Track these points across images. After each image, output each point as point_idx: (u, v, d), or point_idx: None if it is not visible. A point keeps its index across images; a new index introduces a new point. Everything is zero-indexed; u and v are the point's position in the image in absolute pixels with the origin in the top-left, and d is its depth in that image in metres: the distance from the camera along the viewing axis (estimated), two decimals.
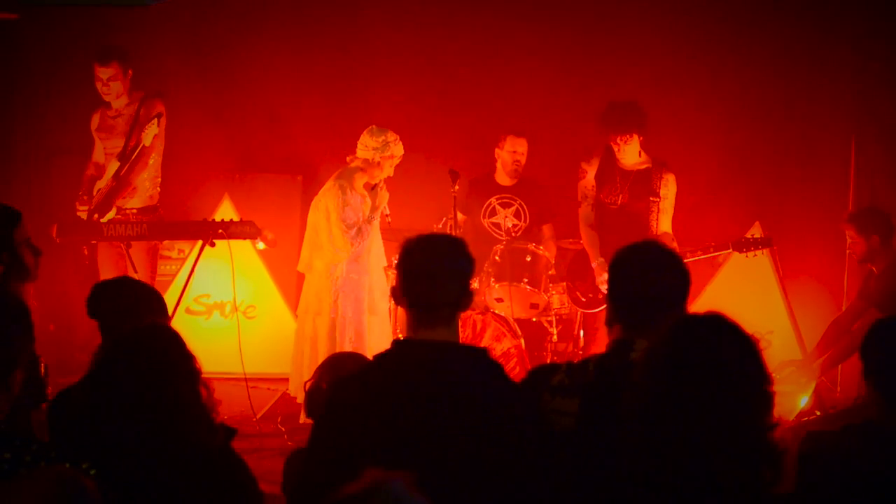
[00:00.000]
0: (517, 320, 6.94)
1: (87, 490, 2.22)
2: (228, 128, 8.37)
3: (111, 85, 6.79)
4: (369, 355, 3.71)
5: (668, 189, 6.54)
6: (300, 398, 6.38)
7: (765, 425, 2.44)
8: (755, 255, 6.76)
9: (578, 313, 7.06)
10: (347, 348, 6.15)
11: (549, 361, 6.79)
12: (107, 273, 6.60)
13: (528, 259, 6.89)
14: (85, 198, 6.80)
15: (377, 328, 6.49)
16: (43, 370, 3.85)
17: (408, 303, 2.88)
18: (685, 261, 3.02)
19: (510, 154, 7.29)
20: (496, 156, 7.37)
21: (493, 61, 8.23)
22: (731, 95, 7.92)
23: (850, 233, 6.29)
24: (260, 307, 7.89)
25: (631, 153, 6.52)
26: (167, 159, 7.03)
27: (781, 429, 2.50)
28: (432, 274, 2.84)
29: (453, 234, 6.50)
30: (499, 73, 8.22)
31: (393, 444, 2.70)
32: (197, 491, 2.93)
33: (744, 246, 6.67)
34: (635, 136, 6.46)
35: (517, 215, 7.34)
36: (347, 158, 6.51)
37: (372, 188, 6.44)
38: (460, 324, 3.12)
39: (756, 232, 7.15)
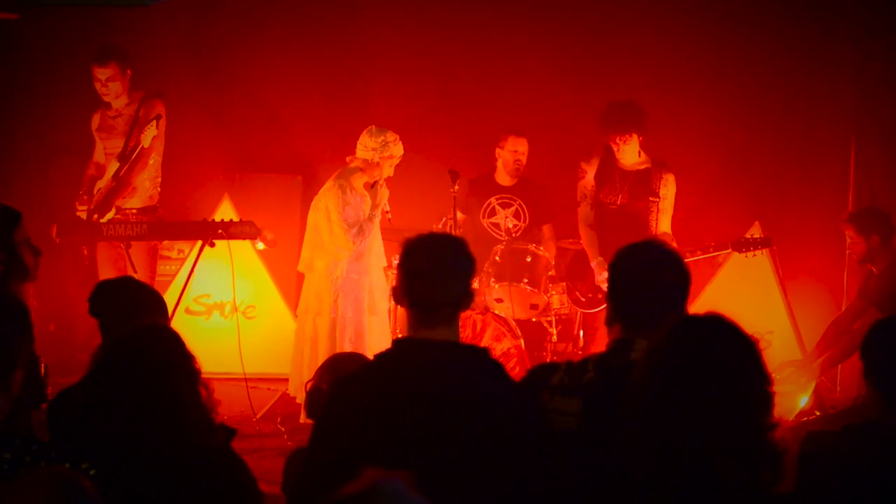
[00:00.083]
0: (517, 320, 6.94)
1: (85, 490, 2.22)
2: (228, 128, 8.37)
3: (110, 85, 6.79)
4: (369, 355, 3.72)
5: (668, 189, 6.54)
6: (300, 398, 6.39)
7: (765, 425, 2.44)
8: (755, 255, 6.77)
9: (578, 313, 7.07)
10: (347, 348, 6.15)
11: (548, 361, 6.79)
12: (106, 273, 6.60)
13: (528, 259, 6.89)
14: (85, 198, 6.80)
15: (377, 328, 6.49)
16: (43, 370, 3.86)
17: (409, 302, 2.87)
18: (685, 261, 3.02)
19: (511, 154, 7.29)
20: (497, 155, 7.37)
21: (493, 61, 8.22)
22: (731, 95, 7.91)
23: (850, 233, 6.29)
24: (260, 307, 7.89)
25: (630, 153, 6.52)
26: (167, 159, 7.03)
27: (781, 429, 2.50)
28: (434, 274, 2.84)
29: (453, 233, 6.50)
30: (499, 73, 8.22)
31: (393, 443, 2.70)
32: (197, 491, 2.92)
33: (743, 246, 6.67)
34: (635, 136, 6.46)
35: (517, 215, 7.34)
36: (347, 159, 6.52)
37: (371, 186, 6.44)
38: (460, 324, 3.12)
39: (756, 232, 7.15)
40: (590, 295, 6.74)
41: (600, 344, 6.09)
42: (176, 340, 3.09)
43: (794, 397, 5.95)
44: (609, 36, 8.04)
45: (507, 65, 8.20)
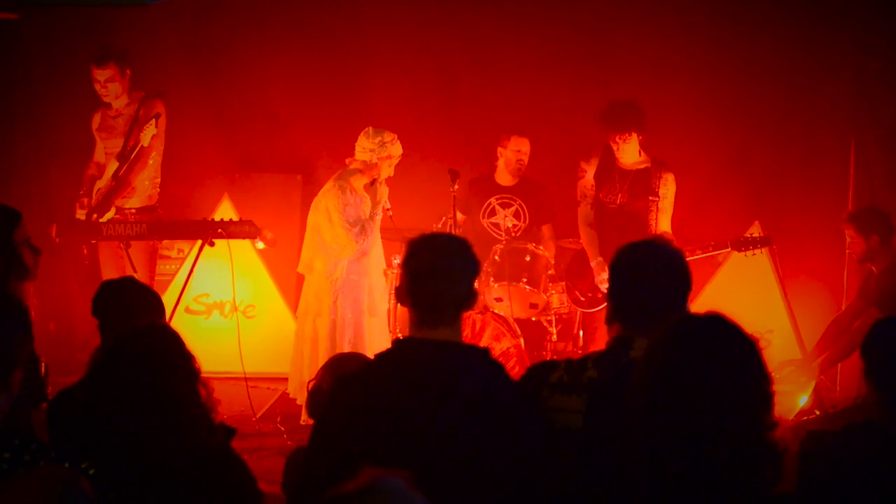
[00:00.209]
0: (516, 320, 6.95)
1: (83, 490, 2.22)
2: (228, 128, 8.37)
3: (109, 86, 6.79)
4: (369, 356, 3.72)
5: (668, 188, 6.54)
6: (300, 399, 6.39)
7: (765, 425, 2.44)
8: (754, 255, 6.77)
9: (578, 313, 7.07)
10: (346, 349, 6.15)
11: (548, 359, 6.78)
12: (109, 273, 6.60)
13: (528, 259, 6.89)
14: (85, 199, 6.80)
15: (377, 329, 6.49)
16: (43, 370, 3.86)
17: (412, 302, 2.87)
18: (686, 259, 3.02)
19: (514, 153, 7.30)
20: (499, 154, 7.37)
21: (493, 61, 8.22)
22: (731, 95, 7.91)
23: (850, 232, 6.29)
24: (259, 307, 7.89)
25: (630, 152, 6.53)
26: (167, 159, 7.03)
27: (781, 428, 2.49)
28: (438, 274, 2.84)
29: (453, 233, 6.50)
30: (499, 72, 8.22)
31: (393, 443, 2.70)
32: (197, 491, 2.93)
33: (743, 245, 6.67)
34: (634, 135, 6.46)
35: (516, 215, 7.34)
36: (346, 161, 6.52)
37: (371, 185, 6.44)
38: None
39: (756, 231, 7.15)
40: (589, 294, 6.75)
41: (600, 343, 6.09)
42: (176, 340, 3.09)
43: (793, 396, 5.95)
44: (609, 36, 8.04)
45: (506, 64, 8.20)
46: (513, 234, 7.28)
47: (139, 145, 6.76)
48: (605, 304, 3.07)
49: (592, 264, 6.65)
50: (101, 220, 6.67)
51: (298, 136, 8.34)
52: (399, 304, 3.01)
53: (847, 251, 6.85)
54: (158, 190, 6.99)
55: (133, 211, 6.84)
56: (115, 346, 3.10)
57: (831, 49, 7.73)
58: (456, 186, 6.74)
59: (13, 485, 2.23)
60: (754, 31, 7.90)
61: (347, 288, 6.37)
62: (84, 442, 2.95)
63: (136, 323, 3.37)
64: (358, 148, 6.44)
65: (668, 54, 7.90)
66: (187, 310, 7.63)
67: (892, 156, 7.54)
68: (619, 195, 6.59)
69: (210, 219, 6.79)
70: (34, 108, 8.18)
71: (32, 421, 3.62)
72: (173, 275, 7.73)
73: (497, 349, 6.64)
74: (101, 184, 6.83)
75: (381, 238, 6.66)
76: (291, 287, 7.88)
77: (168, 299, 6.86)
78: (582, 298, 6.81)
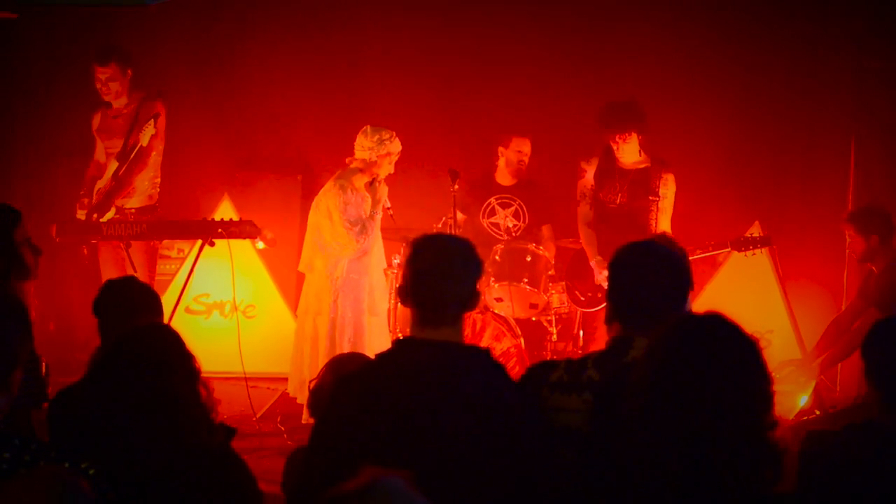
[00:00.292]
0: (517, 320, 6.95)
1: (81, 489, 2.22)
2: (228, 128, 8.36)
3: (110, 85, 6.80)
4: (369, 356, 3.72)
5: (668, 188, 6.54)
6: (300, 398, 6.39)
7: (765, 425, 2.44)
8: (754, 254, 6.77)
9: (578, 313, 7.07)
10: (346, 348, 6.15)
11: (548, 359, 6.78)
12: (109, 273, 6.60)
13: (528, 259, 6.89)
14: (85, 199, 6.80)
15: (376, 329, 6.49)
16: (44, 370, 3.86)
17: (415, 302, 2.87)
18: (688, 259, 3.02)
19: (515, 154, 7.30)
20: (500, 154, 7.37)
21: (493, 61, 8.22)
22: (731, 95, 7.91)
23: (850, 232, 6.29)
24: (259, 307, 7.89)
25: (630, 152, 6.53)
26: (167, 159, 7.03)
27: (781, 428, 2.50)
28: (442, 274, 2.84)
29: (453, 233, 6.50)
30: (499, 72, 8.22)
31: (394, 442, 2.70)
32: (197, 491, 2.93)
33: (742, 245, 6.67)
34: (634, 135, 6.46)
35: (516, 215, 7.34)
36: (346, 160, 6.52)
37: (370, 184, 6.45)
38: None
39: (756, 231, 7.15)
40: (589, 294, 6.75)
41: (600, 343, 6.08)
42: (176, 340, 3.09)
43: (793, 396, 5.95)
44: (609, 36, 8.04)
45: (506, 65, 8.20)
46: (513, 233, 7.28)
47: (139, 145, 6.76)
48: (605, 303, 3.07)
49: (592, 264, 6.65)
50: (101, 220, 6.67)
51: (298, 136, 8.34)
52: (401, 304, 3.00)
53: (847, 251, 6.86)
54: (158, 190, 6.99)
55: (133, 211, 6.84)
56: (115, 346, 3.10)
57: (831, 49, 7.72)
58: (456, 186, 6.74)
59: (13, 485, 2.23)
60: (754, 31, 7.90)
61: (348, 287, 6.37)
62: (84, 442, 2.95)
63: (136, 323, 3.38)
64: (357, 147, 6.45)
65: (668, 54, 7.90)
66: (187, 310, 7.62)
67: (892, 156, 7.54)
68: (619, 195, 6.58)
69: (210, 219, 6.79)
70: (34, 108, 8.18)
71: (33, 421, 3.62)
72: (173, 275, 7.72)
73: (497, 349, 6.64)
74: (101, 184, 6.84)
75: (382, 237, 6.66)
76: (291, 287, 7.88)
77: (168, 299, 6.87)
78: (582, 298, 6.81)
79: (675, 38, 7.91)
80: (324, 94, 8.31)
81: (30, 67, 8.13)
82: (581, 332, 7.06)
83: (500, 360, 5.08)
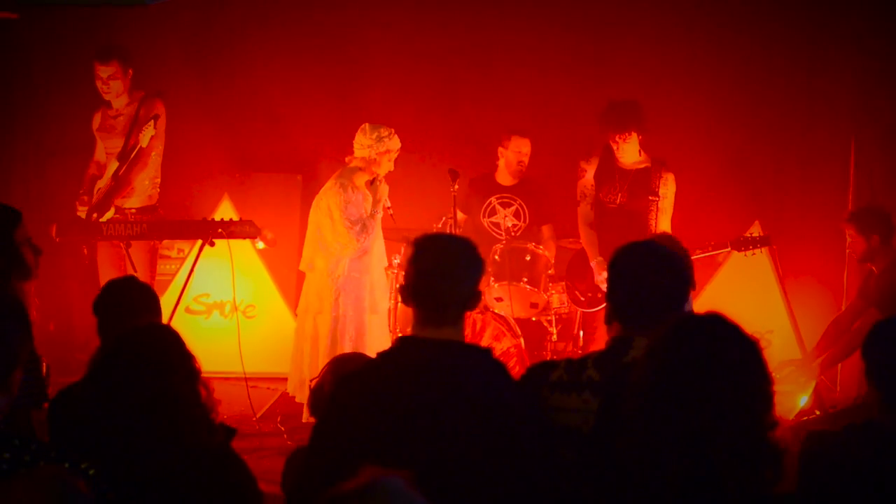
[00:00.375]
0: (517, 319, 6.94)
1: (78, 490, 2.22)
2: (228, 128, 8.36)
3: (111, 84, 6.79)
4: (370, 355, 3.72)
5: (668, 188, 6.54)
6: (299, 397, 6.39)
7: (765, 425, 2.44)
8: (754, 254, 6.77)
9: (578, 312, 7.07)
10: (348, 347, 6.16)
11: (548, 359, 6.78)
12: (106, 273, 6.60)
13: (528, 259, 6.89)
14: (85, 197, 6.80)
15: (377, 327, 6.49)
16: (44, 370, 3.86)
17: (417, 301, 2.87)
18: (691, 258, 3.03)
19: (515, 154, 7.30)
20: (499, 154, 7.37)
21: (493, 61, 8.22)
22: (731, 95, 7.91)
23: (850, 232, 6.29)
24: (259, 307, 7.89)
25: (630, 152, 6.52)
26: (167, 159, 7.03)
27: (781, 428, 2.50)
28: (445, 274, 2.85)
29: (453, 233, 6.50)
30: (499, 72, 8.22)
31: (394, 442, 2.70)
32: (197, 491, 2.93)
33: (742, 245, 6.67)
34: (634, 135, 6.46)
35: (517, 215, 7.34)
36: (346, 159, 6.52)
37: (371, 183, 6.45)
38: None
39: (756, 231, 7.15)
40: (589, 294, 6.74)
41: (600, 343, 6.09)
42: (176, 340, 3.09)
43: (793, 397, 5.95)
44: (609, 36, 8.04)
45: (507, 64, 8.20)
46: (513, 233, 7.28)
47: (138, 146, 6.76)
48: (605, 303, 3.07)
49: (592, 264, 6.65)
50: (100, 220, 6.67)
51: (298, 136, 8.34)
52: (402, 303, 2.99)
53: (847, 251, 6.85)
54: (158, 190, 6.99)
55: (133, 211, 6.84)
56: (115, 346, 3.10)
57: (831, 49, 7.72)
58: (456, 186, 6.74)
59: (11, 485, 2.23)
60: (754, 32, 7.90)
61: (349, 286, 6.37)
62: (84, 442, 2.94)
63: (135, 323, 3.38)
64: (356, 145, 6.45)
65: (668, 54, 7.90)
66: (187, 310, 7.63)
67: (892, 156, 7.54)
68: (619, 195, 6.58)
69: (210, 219, 6.79)
70: (34, 108, 8.18)
71: (33, 421, 3.62)
72: (173, 275, 7.73)
73: (497, 349, 6.64)
74: (101, 183, 6.84)
75: (383, 238, 6.66)
76: (291, 287, 7.88)
77: (168, 299, 6.89)
78: (582, 298, 6.81)
79: (675, 39, 7.92)
80: (324, 94, 8.31)
81: (30, 67, 8.13)
82: (581, 333, 7.06)
83: (500, 360, 5.09)
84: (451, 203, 6.75)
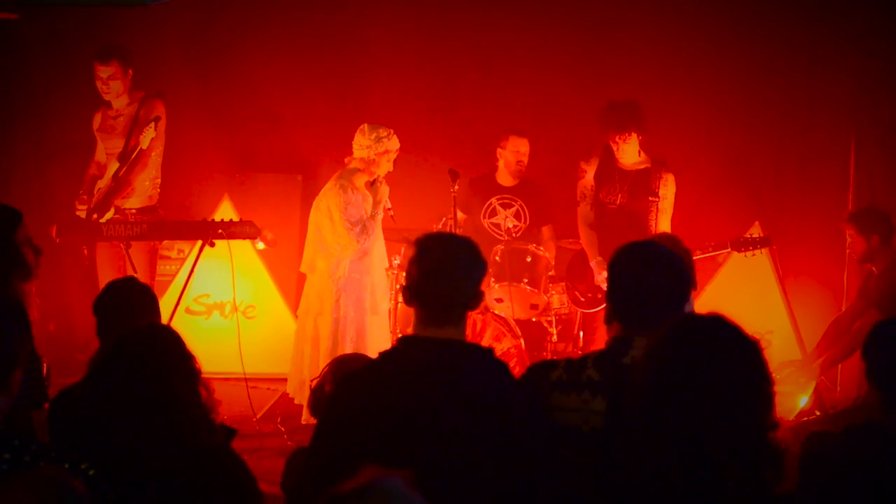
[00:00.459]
0: (517, 320, 6.94)
1: (76, 490, 2.22)
2: (228, 128, 8.36)
3: (111, 84, 6.79)
4: (372, 356, 3.72)
5: (668, 189, 6.54)
6: (298, 399, 6.39)
7: (766, 425, 2.44)
8: (754, 255, 6.77)
9: (578, 313, 7.07)
10: (349, 348, 6.16)
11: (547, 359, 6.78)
12: (105, 273, 6.60)
13: (528, 259, 6.89)
14: (85, 197, 6.80)
15: (378, 328, 6.48)
16: (45, 370, 3.86)
17: (421, 301, 2.87)
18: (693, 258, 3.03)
19: (513, 154, 7.30)
20: (498, 155, 7.37)
21: (494, 61, 8.22)
22: (732, 95, 7.91)
23: (851, 232, 6.29)
24: (260, 307, 7.89)
25: (630, 152, 6.52)
26: (167, 159, 7.03)
27: (781, 429, 2.50)
28: (450, 274, 2.86)
29: (457, 234, 6.49)
30: (499, 72, 8.22)
31: (396, 441, 2.70)
32: (197, 491, 2.93)
33: (742, 245, 6.67)
34: (634, 135, 6.45)
35: (517, 216, 7.34)
36: (346, 160, 6.52)
37: (371, 184, 6.45)
38: None
39: (756, 232, 7.15)
40: (589, 295, 6.74)
41: (600, 343, 6.07)
42: (176, 340, 3.09)
43: (793, 397, 5.95)
44: (609, 36, 8.03)
45: (507, 64, 8.20)
46: (513, 234, 7.27)
47: (139, 147, 6.76)
48: (605, 304, 3.07)
49: (592, 264, 6.65)
50: (100, 220, 6.67)
51: (298, 136, 8.34)
52: (404, 303, 3.00)
53: (847, 251, 6.85)
54: (159, 190, 6.98)
55: (133, 211, 6.83)
56: (115, 346, 3.10)
57: (831, 49, 7.72)
58: (456, 186, 6.74)
59: (9, 485, 2.23)
60: (754, 32, 7.90)
61: (350, 287, 6.37)
62: (84, 443, 2.94)
63: (135, 324, 3.38)
64: (355, 146, 6.45)
65: (668, 54, 7.90)
66: (188, 310, 7.63)
67: (892, 156, 7.54)
68: (619, 195, 6.58)
69: (210, 219, 6.78)
70: (34, 108, 8.18)
71: (33, 421, 3.62)
72: (173, 275, 7.73)
73: (497, 350, 6.63)
74: (101, 184, 6.83)
75: (384, 239, 6.66)
76: (292, 287, 7.88)
77: (168, 300, 6.89)
78: (582, 299, 6.81)
79: (675, 39, 7.91)
80: (324, 94, 8.31)
81: (30, 67, 8.13)
82: (581, 333, 7.06)
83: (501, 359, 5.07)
84: (452, 203, 6.75)
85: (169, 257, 8.02)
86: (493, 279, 6.83)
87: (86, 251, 6.91)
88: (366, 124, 6.46)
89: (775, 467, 2.44)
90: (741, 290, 7.41)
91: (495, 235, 7.27)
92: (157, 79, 7.28)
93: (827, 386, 6.95)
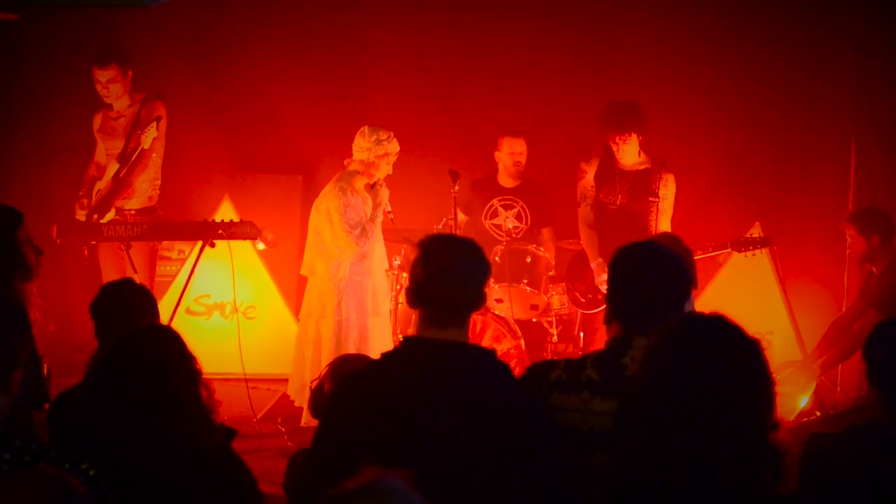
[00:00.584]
0: (517, 321, 6.94)
1: (75, 491, 2.22)
2: (228, 128, 8.36)
3: (110, 87, 6.79)
4: (374, 357, 3.72)
5: (668, 189, 6.54)
6: (299, 401, 6.39)
7: (766, 426, 2.44)
8: (754, 255, 6.77)
9: (578, 314, 7.06)
10: (352, 350, 6.15)
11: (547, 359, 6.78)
12: (109, 274, 6.60)
13: (529, 260, 6.89)
14: (84, 200, 6.80)
15: (379, 330, 6.48)
16: (45, 370, 3.86)
17: (425, 304, 2.87)
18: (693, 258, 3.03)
19: (509, 156, 7.30)
20: (496, 158, 7.38)
21: (494, 61, 8.22)
22: (732, 96, 7.91)
23: (851, 232, 6.29)
24: (260, 308, 7.88)
25: (630, 153, 6.52)
26: (167, 160, 7.03)
27: (781, 429, 2.50)
28: (456, 277, 2.87)
29: (458, 235, 6.49)
30: (499, 73, 8.22)
31: (398, 441, 2.70)
32: (197, 492, 2.93)
33: (742, 245, 6.67)
34: (634, 136, 6.45)
35: (518, 217, 7.33)
36: (345, 162, 6.52)
37: (371, 187, 6.44)
38: None
39: (756, 232, 7.15)
40: (589, 295, 6.74)
41: (600, 344, 6.03)
42: (177, 341, 3.09)
43: (794, 398, 5.95)
44: (609, 36, 8.03)
45: (507, 65, 8.20)
46: (514, 235, 7.27)
47: (140, 147, 6.76)
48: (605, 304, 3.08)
49: (592, 265, 6.65)
50: (101, 221, 6.67)
51: (298, 136, 8.33)
52: (408, 305, 3.00)
53: (847, 251, 6.85)
54: (158, 191, 6.99)
55: (133, 212, 6.83)
56: (115, 347, 3.10)
57: (831, 49, 7.72)
58: (456, 187, 6.74)
59: (8, 485, 2.23)
60: (754, 32, 7.89)
61: (351, 289, 6.37)
62: (85, 443, 2.94)
63: (133, 324, 3.38)
64: (355, 148, 6.44)
65: (668, 54, 7.89)
66: (188, 311, 7.63)
67: (892, 156, 7.54)
68: (620, 196, 6.58)
69: (210, 220, 6.79)
70: (34, 108, 8.18)
71: (33, 421, 3.63)
72: (174, 276, 7.73)
73: (498, 350, 6.62)
74: (101, 185, 6.83)
75: (383, 240, 6.65)
76: (292, 288, 7.88)
77: (168, 300, 6.89)
78: (582, 300, 6.81)
79: (675, 39, 7.91)
80: (324, 95, 8.31)
81: (30, 68, 8.13)
82: (581, 334, 7.06)
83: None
84: (452, 204, 6.75)
85: (169, 258, 8.02)
86: (493, 280, 6.83)
87: (86, 252, 6.91)
88: (366, 126, 6.45)
89: (776, 468, 2.43)
90: (741, 290, 7.41)
91: (496, 236, 7.27)
92: (157, 79, 7.28)
93: (827, 386, 6.95)
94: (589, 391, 2.88)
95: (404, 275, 6.57)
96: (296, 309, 7.07)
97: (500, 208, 7.36)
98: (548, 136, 7.77)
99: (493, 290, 6.85)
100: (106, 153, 6.93)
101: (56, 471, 2.34)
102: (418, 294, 2.88)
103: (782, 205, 7.92)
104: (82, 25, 7.94)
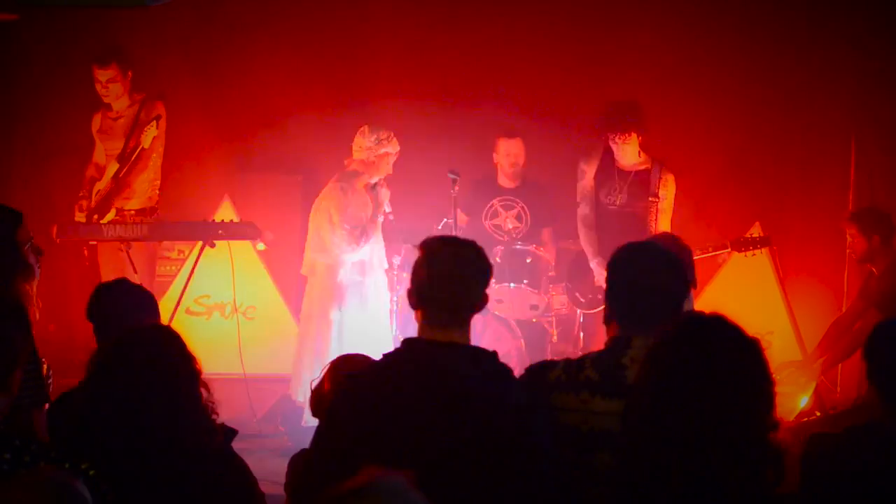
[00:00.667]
0: (517, 321, 6.94)
1: (75, 491, 2.22)
2: (228, 128, 8.36)
3: (110, 87, 6.79)
4: (375, 357, 3.72)
5: (668, 189, 6.54)
6: (300, 402, 6.38)
7: (767, 426, 2.44)
8: (754, 255, 6.77)
9: (578, 314, 7.06)
10: (352, 351, 6.13)
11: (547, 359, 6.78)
12: (109, 274, 6.59)
13: (529, 260, 6.89)
14: (84, 202, 6.80)
15: (380, 330, 6.48)
16: (45, 370, 3.86)
17: (428, 305, 2.88)
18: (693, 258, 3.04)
19: (506, 157, 7.31)
20: (495, 161, 7.39)
21: (494, 61, 8.22)
22: (732, 95, 7.90)
23: (852, 232, 6.29)
24: (260, 308, 7.88)
25: (630, 153, 6.52)
26: (167, 160, 7.03)
27: (782, 429, 2.50)
28: (459, 278, 2.87)
29: (458, 236, 6.49)
30: (499, 73, 8.22)
31: (399, 442, 2.71)
32: (197, 492, 2.92)
33: (742, 245, 6.67)
34: (634, 136, 6.45)
35: (518, 218, 7.33)
36: (345, 162, 6.51)
37: (372, 187, 6.44)
38: None
39: (756, 232, 7.15)
40: (590, 295, 6.74)
41: (600, 344, 6.04)
42: (176, 341, 3.09)
43: (794, 398, 5.95)
44: (609, 36, 8.03)
45: (507, 65, 8.19)
46: (514, 235, 7.27)
47: (140, 147, 6.76)
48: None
49: (592, 265, 6.65)
50: (101, 222, 6.67)
51: (298, 136, 8.33)
52: (410, 306, 3.00)
53: (847, 251, 6.85)
54: (158, 191, 6.98)
55: (133, 212, 6.83)
56: (115, 347, 3.10)
57: (831, 49, 7.72)
58: (456, 188, 6.73)
59: (10, 485, 2.23)
60: (754, 32, 7.89)
61: (351, 289, 6.37)
62: (85, 443, 2.94)
63: (132, 324, 3.37)
64: (355, 148, 6.44)
65: (669, 55, 7.89)
66: (188, 311, 7.62)
67: (892, 156, 7.54)
68: (619, 196, 6.58)
69: (210, 220, 6.79)
70: (34, 108, 8.18)
71: (33, 421, 3.62)
72: (174, 276, 7.72)
73: (498, 351, 6.63)
74: (100, 185, 6.84)
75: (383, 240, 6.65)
76: (292, 288, 7.87)
77: (168, 301, 6.89)
78: (582, 300, 6.81)
79: (675, 39, 7.91)
80: (324, 95, 8.30)
81: (30, 68, 8.13)
82: (581, 334, 7.06)
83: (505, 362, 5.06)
84: (452, 204, 6.75)
85: (169, 258, 8.02)
86: (493, 280, 6.82)
87: (86, 252, 6.92)
88: (366, 126, 6.45)
89: (776, 468, 2.44)
90: (741, 290, 7.40)
91: (496, 237, 7.27)
92: (157, 79, 7.28)
93: (827, 386, 6.95)
94: (588, 391, 2.88)
95: (404, 275, 6.58)
96: (296, 309, 7.07)
97: (500, 209, 7.36)
98: (548, 136, 7.77)
99: (493, 290, 6.83)
100: (105, 154, 6.93)
101: (56, 471, 2.34)
102: (420, 295, 2.88)
103: (782, 205, 7.92)
104: (82, 25, 7.94)
